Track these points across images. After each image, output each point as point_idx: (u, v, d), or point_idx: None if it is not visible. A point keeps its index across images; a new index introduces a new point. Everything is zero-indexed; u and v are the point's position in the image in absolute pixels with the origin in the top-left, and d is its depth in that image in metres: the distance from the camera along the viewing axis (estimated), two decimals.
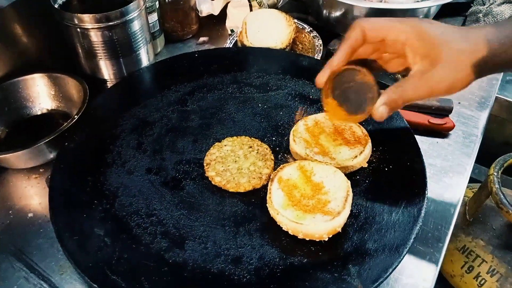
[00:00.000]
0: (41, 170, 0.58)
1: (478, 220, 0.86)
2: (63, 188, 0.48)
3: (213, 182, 0.50)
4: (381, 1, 0.70)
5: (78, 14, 0.57)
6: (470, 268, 0.81)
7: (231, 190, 0.49)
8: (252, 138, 0.55)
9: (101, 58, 0.62)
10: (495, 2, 0.83)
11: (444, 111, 0.65)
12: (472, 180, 1.20)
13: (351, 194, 0.45)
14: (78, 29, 0.59)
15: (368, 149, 0.51)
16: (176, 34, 0.81)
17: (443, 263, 0.86)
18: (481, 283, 0.79)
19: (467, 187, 0.99)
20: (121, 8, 0.58)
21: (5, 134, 0.61)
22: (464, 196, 0.95)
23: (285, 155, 0.54)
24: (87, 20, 0.57)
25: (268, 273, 0.41)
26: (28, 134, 0.61)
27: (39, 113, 0.64)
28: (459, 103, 0.69)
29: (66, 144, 0.52)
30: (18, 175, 0.57)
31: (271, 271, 0.41)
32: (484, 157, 0.94)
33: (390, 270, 0.40)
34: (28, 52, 0.65)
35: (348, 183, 0.46)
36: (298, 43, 0.77)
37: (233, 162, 0.52)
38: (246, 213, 0.47)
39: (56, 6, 0.60)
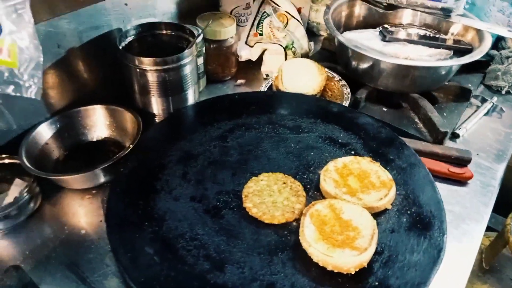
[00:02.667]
0: (93, 191, 0.64)
1: (494, 269, 0.88)
2: (117, 209, 0.54)
3: (250, 213, 0.55)
4: (406, 58, 0.77)
5: (140, 57, 0.65)
6: None
7: (266, 221, 0.54)
8: (285, 175, 0.61)
9: (153, 95, 0.70)
10: None
11: (463, 161, 0.70)
12: (488, 228, 1.21)
13: (377, 232, 0.50)
14: (138, 70, 0.67)
15: (392, 192, 0.56)
16: (217, 75, 0.89)
17: None
18: None
19: (484, 235, 1.02)
20: (177, 53, 0.66)
21: (63, 157, 0.68)
22: (480, 244, 0.97)
23: (316, 192, 0.59)
24: (147, 63, 0.66)
25: None
26: (84, 158, 0.69)
27: (94, 139, 0.71)
28: (477, 154, 0.74)
29: (122, 170, 0.59)
30: (73, 195, 0.64)
31: None
32: (500, 206, 0.98)
33: None
34: (89, 86, 0.74)
35: (374, 222, 0.51)
36: (327, 90, 0.84)
37: (268, 196, 0.57)
38: (279, 243, 0.52)
39: (120, 47, 0.69)
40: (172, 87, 0.70)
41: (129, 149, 0.62)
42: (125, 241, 0.50)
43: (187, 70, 0.69)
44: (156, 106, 0.72)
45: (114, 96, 0.73)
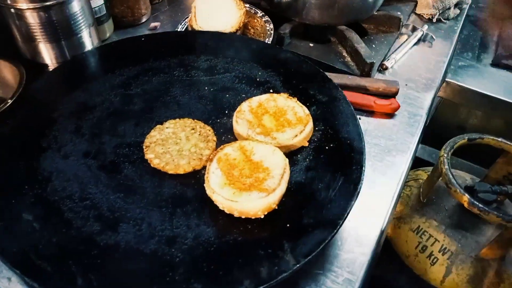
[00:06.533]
0: None
1: (431, 202, 0.88)
2: None
3: (152, 165, 0.49)
4: None
5: None
6: (424, 248, 0.83)
7: (170, 172, 0.48)
8: (195, 120, 0.54)
9: (40, 41, 0.60)
10: None
11: (390, 93, 0.66)
12: (430, 164, 1.23)
13: (288, 171, 0.45)
14: (12, 10, 0.56)
15: (308, 128, 0.51)
16: (126, 20, 0.79)
17: (398, 244, 0.89)
18: (433, 261, 0.81)
19: (423, 170, 1.02)
20: None
21: None
22: (419, 179, 0.98)
23: (229, 136, 0.53)
24: (21, 0, 0.55)
25: (202, 252, 0.40)
26: None
27: None
28: (406, 85, 0.70)
29: None
30: None
31: (205, 250, 0.40)
32: (441, 142, 0.98)
33: (323, 244, 0.40)
34: None
35: (286, 160, 0.46)
36: (250, 28, 0.77)
37: (174, 144, 0.51)
38: (184, 195, 0.46)
39: None
40: (61, 29, 0.60)
41: (8, 104, 0.52)
42: None
43: (75, 7, 0.59)
44: (47, 54, 0.62)
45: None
